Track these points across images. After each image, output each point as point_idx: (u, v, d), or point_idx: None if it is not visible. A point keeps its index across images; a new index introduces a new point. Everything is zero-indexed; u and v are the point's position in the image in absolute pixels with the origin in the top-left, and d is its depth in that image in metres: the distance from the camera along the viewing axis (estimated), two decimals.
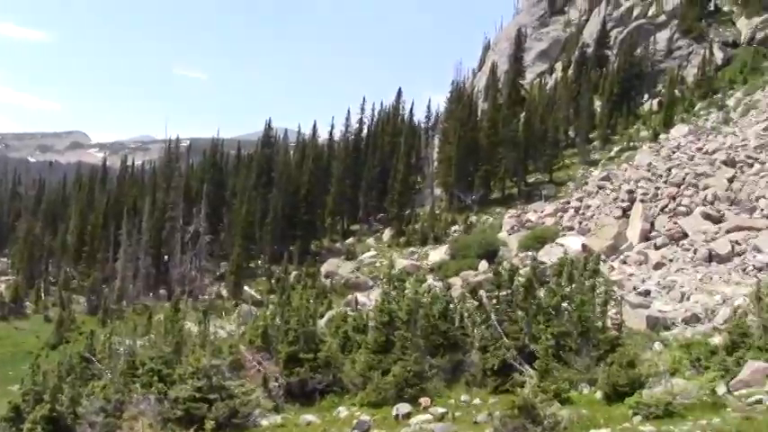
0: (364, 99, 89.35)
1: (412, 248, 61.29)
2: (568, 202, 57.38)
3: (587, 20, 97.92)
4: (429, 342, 19.93)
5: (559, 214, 55.73)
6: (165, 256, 72.74)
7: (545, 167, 69.20)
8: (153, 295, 68.07)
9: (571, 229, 52.59)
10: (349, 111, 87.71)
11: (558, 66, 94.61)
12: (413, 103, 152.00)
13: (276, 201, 71.19)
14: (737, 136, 54.73)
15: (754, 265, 35.24)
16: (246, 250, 67.80)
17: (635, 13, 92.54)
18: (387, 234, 67.80)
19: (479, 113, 77.67)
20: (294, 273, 58.68)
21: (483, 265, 48.89)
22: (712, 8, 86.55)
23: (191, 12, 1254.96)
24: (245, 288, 62.11)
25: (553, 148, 70.31)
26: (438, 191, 73.76)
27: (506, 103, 77.51)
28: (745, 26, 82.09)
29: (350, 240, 70.77)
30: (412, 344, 19.35)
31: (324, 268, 61.26)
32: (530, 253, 46.94)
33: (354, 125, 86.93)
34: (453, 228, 62.53)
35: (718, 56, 79.91)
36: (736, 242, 39.97)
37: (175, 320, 26.61)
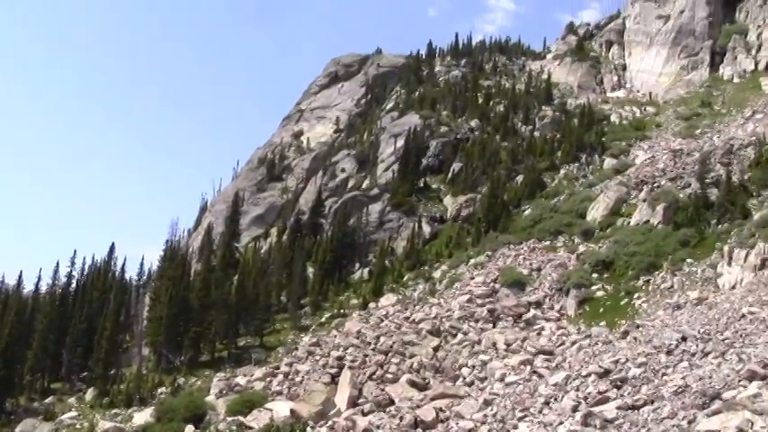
0: (75, 252, 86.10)
1: (116, 410, 58.13)
2: (278, 367, 56.92)
3: (304, 188, 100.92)
4: None
5: (269, 379, 55.08)
6: None
7: (256, 331, 68.62)
8: None
9: (280, 393, 52.04)
10: (58, 263, 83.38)
11: (274, 231, 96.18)
12: (125, 259, 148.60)
13: None
14: (443, 306, 57.09)
15: None
16: None
17: (350, 184, 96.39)
18: (90, 394, 64.25)
19: (192, 274, 76.87)
20: None
21: (189, 428, 47.23)
22: (422, 185, 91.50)
23: None
24: None
25: (265, 312, 70.14)
26: (146, 350, 71.39)
27: (220, 265, 77.34)
28: (451, 204, 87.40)
29: (50, 399, 66.21)
30: None
31: (19, 429, 57.03)
32: (237, 418, 46.14)
33: (63, 278, 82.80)
34: (160, 389, 60.20)
35: (427, 230, 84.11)
36: (441, 409, 41.26)
37: None
